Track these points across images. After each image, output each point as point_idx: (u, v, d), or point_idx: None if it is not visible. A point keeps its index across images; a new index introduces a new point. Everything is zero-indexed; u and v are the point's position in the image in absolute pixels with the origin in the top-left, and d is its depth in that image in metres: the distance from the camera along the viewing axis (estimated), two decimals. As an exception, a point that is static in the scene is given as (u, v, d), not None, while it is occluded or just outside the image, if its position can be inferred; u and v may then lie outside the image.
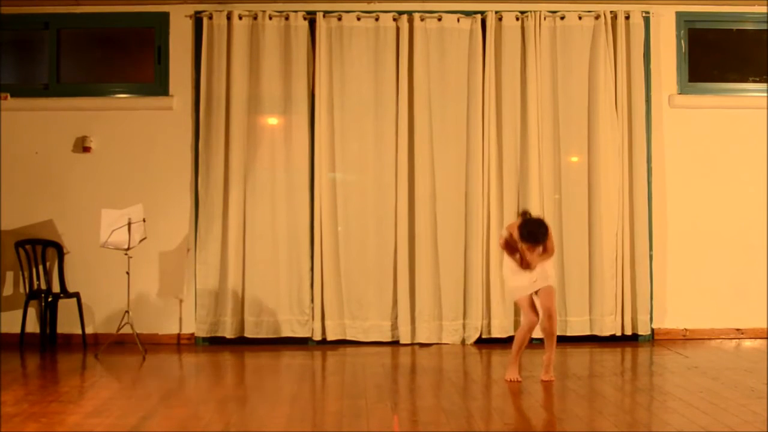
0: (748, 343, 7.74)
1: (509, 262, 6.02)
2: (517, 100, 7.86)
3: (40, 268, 7.74)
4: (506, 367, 6.08)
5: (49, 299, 7.63)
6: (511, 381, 5.95)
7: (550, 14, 7.90)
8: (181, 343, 7.85)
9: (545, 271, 5.98)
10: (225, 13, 7.82)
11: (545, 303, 5.97)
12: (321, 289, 7.76)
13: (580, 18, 7.90)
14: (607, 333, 7.79)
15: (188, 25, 7.95)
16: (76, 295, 7.74)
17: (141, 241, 7.36)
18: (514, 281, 6.04)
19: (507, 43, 7.87)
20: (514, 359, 6.02)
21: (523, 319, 6.10)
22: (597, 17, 7.90)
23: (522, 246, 5.87)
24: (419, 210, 7.75)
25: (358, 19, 7.86)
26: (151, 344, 7.58)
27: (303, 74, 7.84)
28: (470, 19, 7.88)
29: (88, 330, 7.83)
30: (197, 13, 7.91)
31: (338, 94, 7.84)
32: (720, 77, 8.23)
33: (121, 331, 7.25)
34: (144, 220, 7.32)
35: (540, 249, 5.87)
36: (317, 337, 7.75)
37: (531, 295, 5.99)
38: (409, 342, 7.73)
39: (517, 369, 6.02)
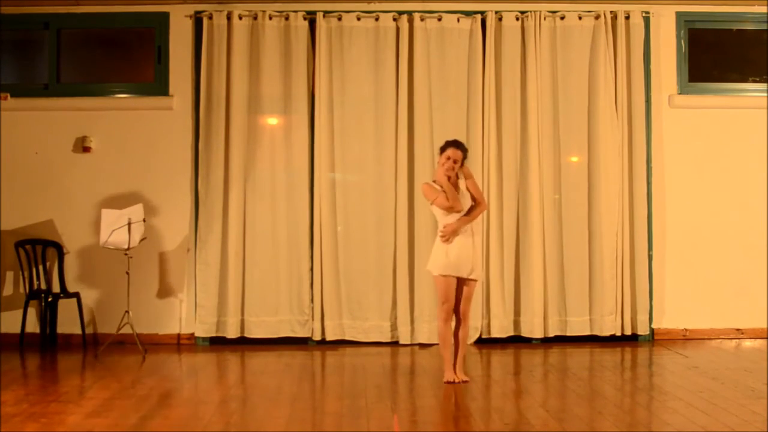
0: (748, 343, 7.74)
1: (439, 240, 5.96)
2: (517, 100, 7.86)
3: (40, 268, 7.74)
4: (444, 371, 5.99)
5: (49, 299, 7.63)
6: (448, 383, 5.88)
7: (550, 14, 7.90)
8: (181, 343, 7.85)
9: (476, 259, 5.96)
10: (225, 13, 7.82)
11: (464, 306, 5.95)
12: (321, 289, 7.76)
13: (580, 18, 7.91)
14: (607, 333, 7.80)
15: (188, 25, 7.95)
16: (76, 295, 7.74)
17: (141, 241, 7.36)
18: (438, 255, 5.92)
19: (507, 43, 7.87)
20: (448, 359, 5.95)
21: (439, 307, 5.97)
22: (597, 17, 7.91)
23: (446, 181, 5.88)
24: (419, 210, 7.75)
25: (358, 19, 7.86)
26: (151, 344, 7.58)
27: (303, 74, 7.84)
28: (470, 19, 7.88)
29: (88, 330, 7.83)
30: (197, 13, 7.91)
31: (338, 94, 7.84)
32: (720, 77, 8.23)
33: (121, 331, 7.25)
34: (144, 220, 7.33)
35: (464, 182, 5.92)
36: (317, 337, 7.75)
37: (453, 280, 5.90)
38: (408, 342, 7.73)
39: (452, 369, 5.95)
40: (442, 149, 6.02)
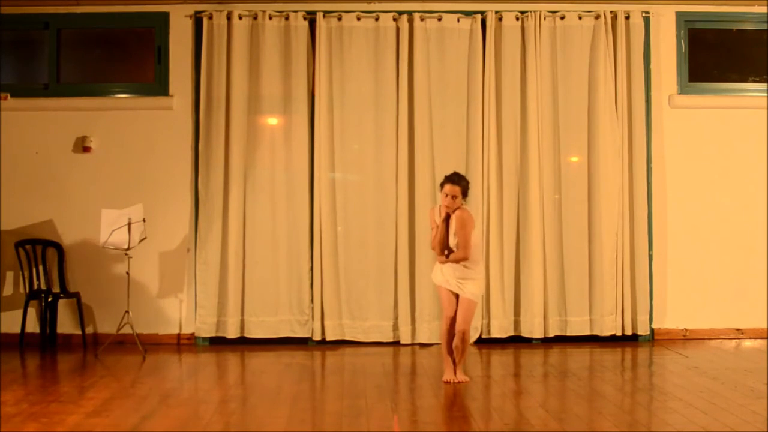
0: (748, 343, 7.74)
1: None
2: (517, 100, 7.86)
3: (40, 268, 7.74)
4: (444, 370, 6.05)
5: (49, 299, 7.63)
6: (447, 382, 5.91)
7: (550, 14, 7.90)
8: (181, 343, 7.85)
9: (465, 280, 5.92)
10: (225, 13, 7.82)
11: (459, 324, 5.94)
12: (321, 289, 7.76)
13: (580, 18, 7.91)
14: (607, 333, 7.80)
15: (188, 25, 7.95)
16: (76, 295, 7.74)
17: (141, 241, 7.36)
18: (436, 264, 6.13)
19: (507, 43, 7.87)
20: (445, 359, 6.00)
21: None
22: (597, 17, 7.91)
23: (440, 221, 5.95)
24: (419, 210, 7.75)
25: (358, 19, 7.86)
26: (151, 344, 7.58)
27: (303, 74, 7.84)
28: (470, 19, 7.88)
29: (88, 330, 7.83)
30: (197, 13, 7.91)
31: (338, 94, 7.85)
32: (720, 77, 8.23)
33: (121, 331, 7.25)
34: (144, 220, 7.32)
35: (455, 227, 5.89)
36: (317, 337, 7.75)
37: (447, 291, 5.97)
38: (409, 342, 7.73)
39: (451, 369, 5.99)
40: (441, 185, 6.01)
